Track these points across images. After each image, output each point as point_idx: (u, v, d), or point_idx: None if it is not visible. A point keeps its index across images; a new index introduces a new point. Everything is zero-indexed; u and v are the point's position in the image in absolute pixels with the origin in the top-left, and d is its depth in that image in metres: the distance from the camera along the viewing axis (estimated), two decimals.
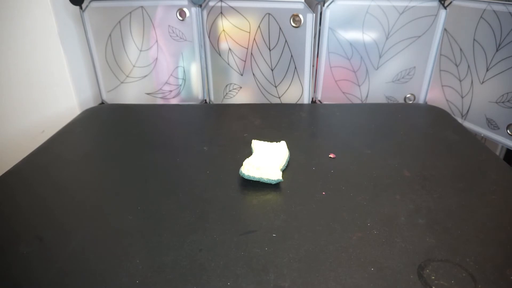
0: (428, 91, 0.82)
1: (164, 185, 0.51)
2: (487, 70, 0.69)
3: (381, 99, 0.82)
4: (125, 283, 0.35)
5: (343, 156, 0.58)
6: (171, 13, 0.75)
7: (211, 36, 0.76)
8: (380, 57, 0.78)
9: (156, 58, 0.79)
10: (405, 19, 0.74)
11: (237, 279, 0.36)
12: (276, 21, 0.74)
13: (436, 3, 0.73)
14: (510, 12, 0.64)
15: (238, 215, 0.45)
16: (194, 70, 0.80)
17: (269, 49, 0.77)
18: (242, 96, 0.82)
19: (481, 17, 0.68)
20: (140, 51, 0.79)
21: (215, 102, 0.83)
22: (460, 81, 0.75)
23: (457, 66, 0.75)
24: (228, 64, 0.79)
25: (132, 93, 0.83)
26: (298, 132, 0.66)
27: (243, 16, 0.74)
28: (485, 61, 0.69)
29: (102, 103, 0.84)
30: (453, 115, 0.76)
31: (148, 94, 0.83)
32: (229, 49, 0.77)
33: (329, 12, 0.74)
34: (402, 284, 0.35)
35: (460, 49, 0.74)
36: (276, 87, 0.81)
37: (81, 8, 0.75)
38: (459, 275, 0.36)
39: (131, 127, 0.69)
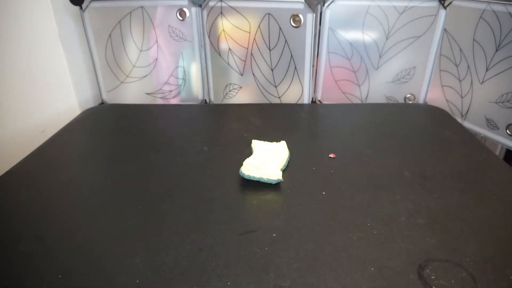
0: (428, 91, 0.82)
1: (164, 185, 0.51)
2: (487, 70, 0.69)
3: (381, 99, 0.82)
4: (125, 283, 0.35)
5: (343, 156, 0.58)
6: (171, 13, 0.75)
7: (211, 36, 0.76)
8: (380, 57, 0.78)
9: (156, 58, 0.79)
10: (405, 19, 0.74)
11: (237, 279, 0.36)
12: (276, 21, 0.74)
13: (436, 3, 0.73)
14: (509, 12, 0.64)
15: (238, 215, 0.45)
16: (194, 70, 0.80)
17: (269, 49, 0.77)
18: (242, 96, 0.82)
19: (480, 17, 0.68)
20: (140, 51, 0.79)
21: (215, 102, 0.83)
22: (460, 81, 0.75)
23: (457, 66, 0.75)
24: (228, 64, 0.79)
25: (132, 93, 0.83)
26: (298, 132, 0.66)
27: (243, 16, 0.74)
28: (485, 61, 0.69)
29: (102, 103, 0.84)
30: (453, 115, 0.76)
31: (148, 94, 0.83)
32: (229, 49, 0.77)
33: (329, 12, 0.74)
34: (402, 284, 0.35)
35: (460, 49, 0.74)
36: (276, 87, 0.81)
37: (81, 8, 0.75)
38: (459, 275, 0.36)
39: (131, 127, 0.69)
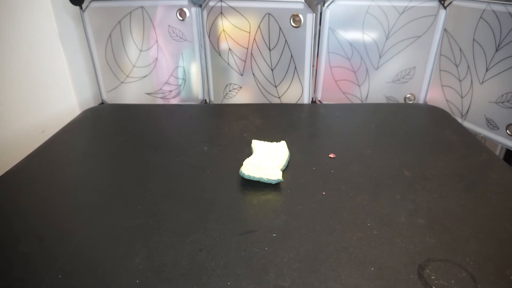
0: (428, 91, 0.82)
1: (164, 185, 0.51)
2: (487, 70, 0.69)
3: (381, 99, 0.82)
4: (125, 283, 0.35)
5: (343, 156, 0.58)
6: (171, 13, 0.75)
7: (211, 36, 0.76)
8: (380, 57, 0.78)
9: (156, 58, 0.79)
10: (405, 19, 0.74)
11: (237, 279, 0.36)
12: (276, 21, 0.74)
13: (436, 3, 0.73)
14: (509, 12, 0.64)
15: (238, 215, 0.45)
16: (194, 70, 0.80)
17: (269, 49, 0.77)
18: (242, 96, 0.82)
19: (480, 17, 0.68)
20: (140, 51, 0.79)
21: (215, 102, 0.83)
22: (460, 81, 0.75)
23: (457, 66, 0.75)
24: (228, 64, 0.79)
25: (132, 93, 0.83)
26: (298, 132, 0.66)
27: (243, 16, 0.74)
28: (485, 61, 0.69)
29: (102, 103, 0.84)
30: (453, 115, 0.76)
31: (148, 94, 0.83)
32: (229, 49, 0.77)
33: (329, 12, 0.74)
34: (402, 284, 0.35)
35: (460, 49, 0.74)
36: (276, 87, 0.81)
37: (81, 8, 0.75)
38: (459, 275, 0.36)
39: (131, 127, 0.69)
